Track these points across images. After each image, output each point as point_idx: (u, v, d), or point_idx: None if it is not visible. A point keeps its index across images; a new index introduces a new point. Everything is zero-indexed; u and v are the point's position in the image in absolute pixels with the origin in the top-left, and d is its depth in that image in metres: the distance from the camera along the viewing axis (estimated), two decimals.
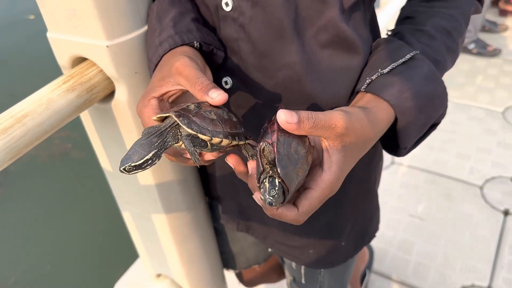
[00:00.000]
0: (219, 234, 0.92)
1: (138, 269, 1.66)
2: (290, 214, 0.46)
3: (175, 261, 0.85)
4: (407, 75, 0.53)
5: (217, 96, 0.46)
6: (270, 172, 0.43)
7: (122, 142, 0.67)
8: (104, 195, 2.27)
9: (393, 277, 1.54)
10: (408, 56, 0.55)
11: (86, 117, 0.69)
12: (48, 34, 0.61)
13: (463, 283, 1.50)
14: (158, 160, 0.46)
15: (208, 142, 0.47)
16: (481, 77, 2.63)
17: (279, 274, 1.10)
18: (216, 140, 0.46)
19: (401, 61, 0.54)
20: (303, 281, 0.87)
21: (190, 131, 0.45)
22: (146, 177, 0.71)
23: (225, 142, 0.47)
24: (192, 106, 0.47)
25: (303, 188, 0.47)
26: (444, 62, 0.59)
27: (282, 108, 0.45)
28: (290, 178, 0.42)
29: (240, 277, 1.06)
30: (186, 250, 0.84)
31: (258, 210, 0.73)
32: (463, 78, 2.62)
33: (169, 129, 0.46)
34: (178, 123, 0.47)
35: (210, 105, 0.49)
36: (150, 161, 0.45)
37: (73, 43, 0.60)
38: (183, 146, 0.48)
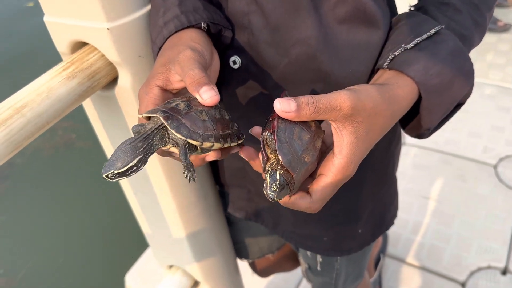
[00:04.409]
0: (232, 224, 0.89)
1: (147, 259, 1.65)
2: (303, 202, 0.44)
3: (187, 252, 0.82)
4: (432, 51, 0.50)
5: (208, 98, 0.42)
6: (275, 162, 0.41)
7: (127, 131, 0.64)
8: (111, 185, 2.26)
9: (408, 260, 1.52)
10: (433, 31, 0.51)
11: (88, 106, 0.66)
12: (45, 18, 0.58)
13: (479, 265, 1.47)
14: (144, 165, 0.42)
15: (198, 147, 0.44)
16: (492, 53, 2.56)
17: (293, 262, 1.07)
18: (207, 144, 0.43)
19: (425, 35, 0.50)
20: (319, 268, 0.84)
21: (179, 136, 0.42)
22: (155, 167, 0.67)
23: (217, 146, 0.44)
24: (182, 105, 0.43)
25: (316, 175, 0.45)
26: (471, 37, 0.55)
27: (285, 94, 0.43)
28: (293, 165, 0.41)
29: (253, 266, 1.04)
30: (198, 240, 0.81)
31: None
32: (473, 55, 2.54)
33: (155, 131, 0.43)
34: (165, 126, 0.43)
35: None
36: (135, 168, 0.41)
37: (72, 27, 0.56)
38: (171, 149, 0.44)
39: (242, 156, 0.46)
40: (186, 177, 0.43)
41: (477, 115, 2.10)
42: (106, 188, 2.27)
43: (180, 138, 0.42)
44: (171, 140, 0.43)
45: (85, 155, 2.52)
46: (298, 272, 1.51)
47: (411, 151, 1.94)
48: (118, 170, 0.40)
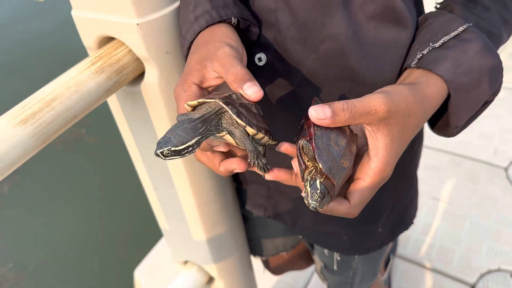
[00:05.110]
0: (247, 221, 0.89)
1: (157, 255, 1.65)
2: (341, 208, 0.44)
3: (203, 248, 0.82)
4: (460, 49, 0.49)
5: (253, 94, 0.42)
6: (313, 169, 0.41)
7: (151, 127, 0.64)
8: (119, 181, 2.27)
9: (417, 261, 1.51)
10: (461, 29, 0.50)
11: (113, 101, 0.66)
12: (73, 13, 0.58)
13: (489, 267, 1.47)
14: (198, 148, 0.42)
15: (250, 136, 0.44)
16: (503, 55, 2.55)
17: (306, 261, 1.07)
18: (259, 135, 0.43)
19: (453, 34, 0.50)
20: (335, 268, 0.84)
21: (239, 121, 0.42)
22: (177, 162, 0.68)
23: (265, 139, 0.44)
24: (234, 96, 0.43)
25: (352, 179, 0.45)
26: (499, 35, 0.55)
27: (317, 100, 0.42)
28: (333, 172, 0.40)
29: (266, 264, 1.04)
30: (215, 237, 0.81)
31: (288, 194, 0.70)
32: None
33: (213, 116, 0.42)
34: (223, 112, 0.43)
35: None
36: (190, 148, 0.41)
37: (100, 22, 0.56)
38: (225, 137, 0.44)
39: (269, 179, 0.46)
40: (259, 167, 0.42)
41: (488, 117, 2.09)
42: (115, 183, 2.28)
43: (240, 123, 0.42)
44: (224, 128, 0.43)
45: (94, 150, 2.53)
46: (307, 271, 1.51)
47: (422, 152, 1.94)
48: (175, 147, 0.40)
